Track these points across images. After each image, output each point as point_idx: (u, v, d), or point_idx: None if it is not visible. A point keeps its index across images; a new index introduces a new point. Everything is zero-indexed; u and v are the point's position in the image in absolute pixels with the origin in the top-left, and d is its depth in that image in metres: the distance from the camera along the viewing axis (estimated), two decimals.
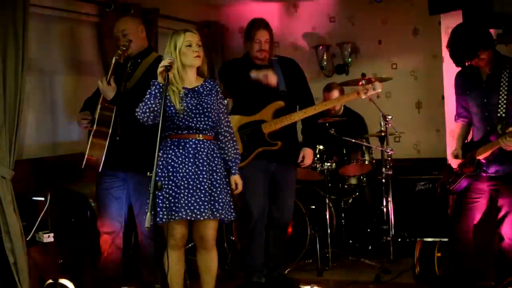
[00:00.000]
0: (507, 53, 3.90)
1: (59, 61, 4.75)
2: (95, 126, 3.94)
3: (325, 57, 6.31)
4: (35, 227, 4.09)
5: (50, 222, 4.24)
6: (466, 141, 3.96)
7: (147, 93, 3.51)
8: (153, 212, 3.17)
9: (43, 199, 4.24)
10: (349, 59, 6.26)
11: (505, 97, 3.65)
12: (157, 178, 3.51)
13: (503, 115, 3.65)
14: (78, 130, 4.58)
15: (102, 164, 3.93)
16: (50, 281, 3.90)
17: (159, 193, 3.48)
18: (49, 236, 4.10)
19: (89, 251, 4.34)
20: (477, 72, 3.78)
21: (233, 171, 3.80)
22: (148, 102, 3.48)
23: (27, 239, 3.85)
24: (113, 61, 3.89)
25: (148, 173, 3.27)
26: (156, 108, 3.46)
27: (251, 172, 4.29)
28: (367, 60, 6.27)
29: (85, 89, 4.39)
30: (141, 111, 3.52)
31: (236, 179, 3.81)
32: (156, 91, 3.46)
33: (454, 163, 3.93)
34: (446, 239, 4.35)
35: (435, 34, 5.15)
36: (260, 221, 4.39)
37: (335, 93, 5.38)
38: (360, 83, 4.50)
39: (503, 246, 3.80)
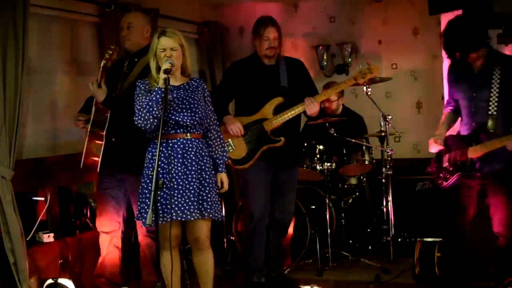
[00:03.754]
0: (507, 53, 3.90)
1: (59, 61, 4.75)
2: (90, 127, 3.96)
3: (325, 57, 6.31)
4: (35, 227, 4.10)
5: (50, 222, 4.24)
6: (449, 131, 3.93)
7: (148, 100, 3.43)
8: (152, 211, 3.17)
9: (43, 199, 4.25)
10: (349, 59, 6.26)
11: (496, 94, 3.62)
12: (148, 180, 3.52)
13: (494, 113, 3.63)
14: (78, 130, 4.58)
15: (100, 164, 3.94)
16: (50, 281, 3.91)
17: (150, 195, 3.41)
18: (49, 236, 4.11)
19: (89, 251, 4.34)
20: (469, 65, 3.75)
21: (220, 169, 3.73)
22: (152, 110, 3.41)
23: (27, 239, 3.85)
24: (101, 65, 3.90)
25: (150, 172, 3.25)
26: (160, 114, 3.40)
27: (253, 172, 4.30)
28: (367, 60, 6.25)
29: (85, 89, 4.36)
30: (142, 118, 3.46)
31: (222, 177, 3.73)
32: (158, 96, 3.39)
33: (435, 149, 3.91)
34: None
35: (435, 34, 5.16)
36: (262, 222, 4.39)
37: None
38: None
39: (498, 244, 3.80)
